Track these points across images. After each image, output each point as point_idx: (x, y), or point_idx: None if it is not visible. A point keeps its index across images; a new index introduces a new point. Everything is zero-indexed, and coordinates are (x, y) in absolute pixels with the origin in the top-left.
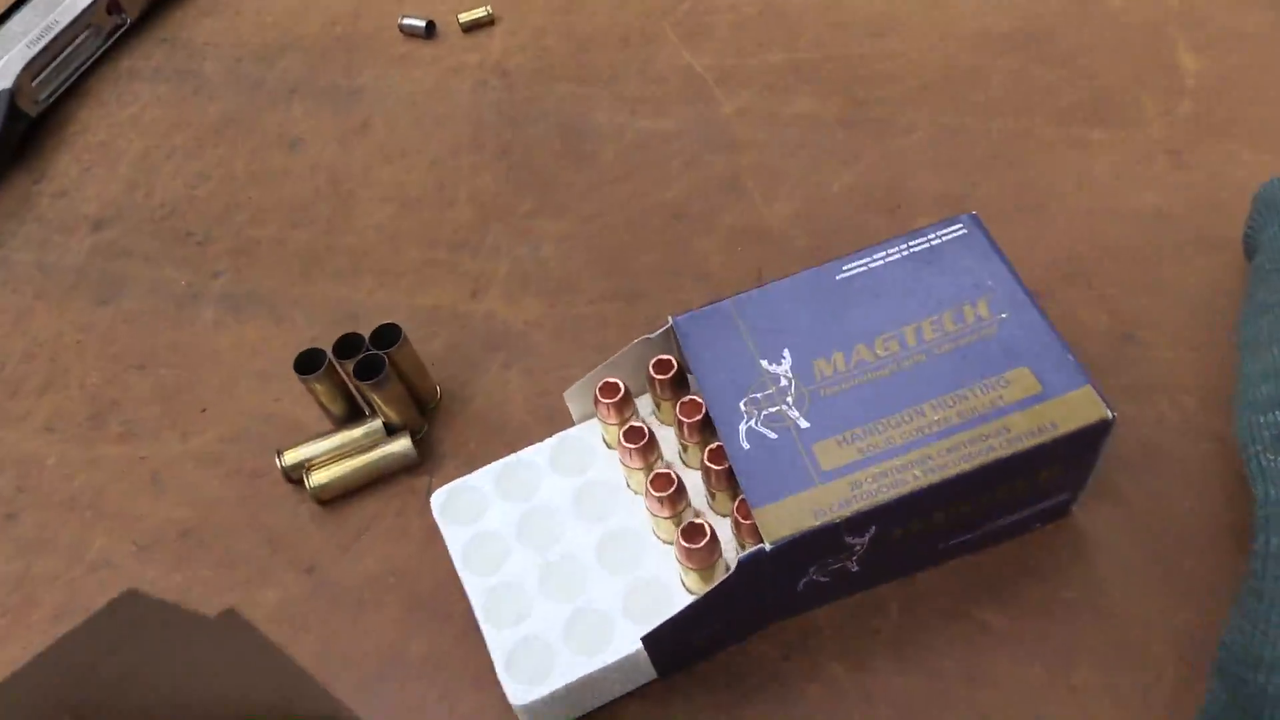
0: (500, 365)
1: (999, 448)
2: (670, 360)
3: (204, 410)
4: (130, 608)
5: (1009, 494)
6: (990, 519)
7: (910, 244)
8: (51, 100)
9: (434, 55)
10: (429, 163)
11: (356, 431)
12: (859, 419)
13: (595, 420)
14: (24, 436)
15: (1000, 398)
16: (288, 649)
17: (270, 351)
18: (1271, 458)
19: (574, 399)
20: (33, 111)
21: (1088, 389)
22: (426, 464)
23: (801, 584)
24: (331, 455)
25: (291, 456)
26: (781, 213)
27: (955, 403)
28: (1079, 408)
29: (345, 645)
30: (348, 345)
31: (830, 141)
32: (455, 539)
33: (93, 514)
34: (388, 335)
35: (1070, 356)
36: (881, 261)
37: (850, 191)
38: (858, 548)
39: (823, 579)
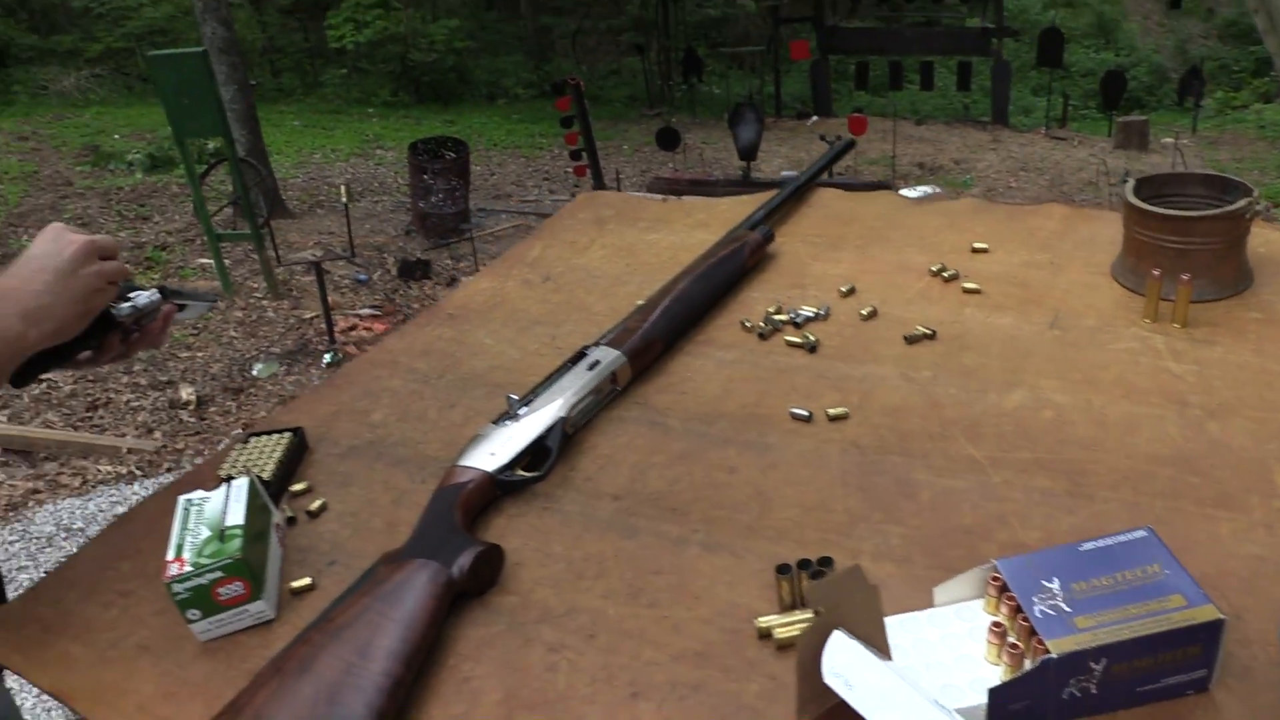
0: None
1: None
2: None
3: None
4: None
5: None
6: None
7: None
8: (578, 426)
9: (812, 430)
10: (797, 503)
11: None
12: (1089, 608)
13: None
14: None
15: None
16: None
17: None
18: None
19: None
20: (570, 431)
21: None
22: None
23: (1065, 693)
24: None
25: None
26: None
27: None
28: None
29: None
30: None
31: None
32: None
33: None
34: None
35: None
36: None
37: None
38: (1096, 672)
39: (1076, 693)
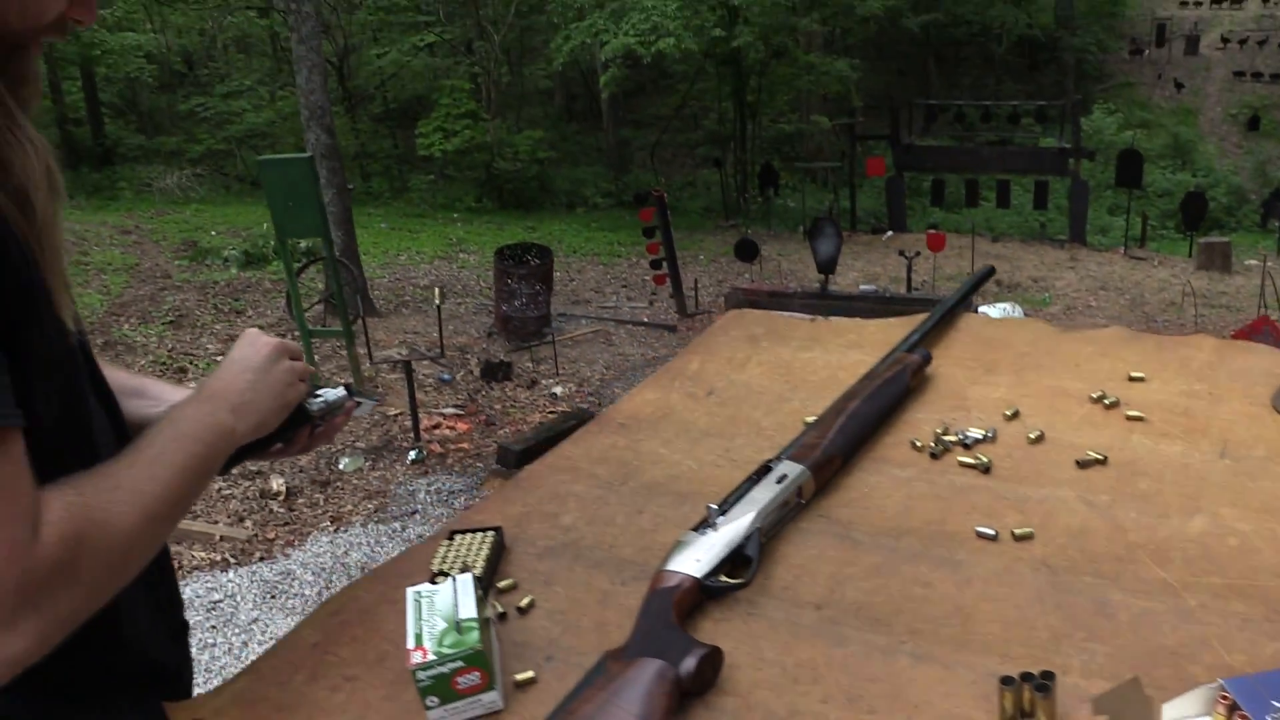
0: None
1: None
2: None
3: None
4: None
5: None
6: None
7: None
8: (769, 537)
9: (999, 549)
10: (998, 619)
11: None
12: None
13: None
14: None
15: None
16: None
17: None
18: None
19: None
20: (764, 540)
21: None
22: None
23: None
24: None
25: None
26: None
27: None
28: None
29: None
30: None
31: None
32: None
33: None
34: None
35: None
36: None
37: None
38: None
39: None
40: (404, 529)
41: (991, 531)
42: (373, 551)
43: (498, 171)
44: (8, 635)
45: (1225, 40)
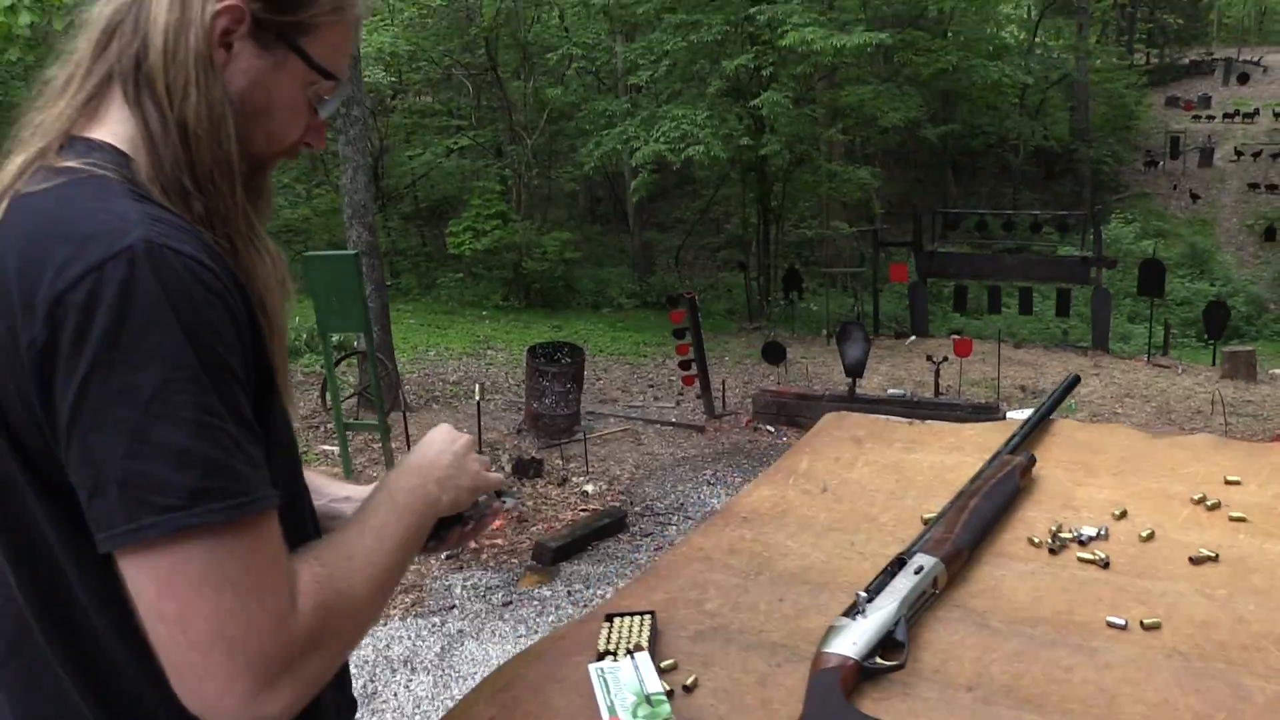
0: None
1: None
2: None
3: None
4: None
5: None
6: None
7: None
8: (910, 624)
9: (1130, 638)
10: (1141, 700)
11: None
12: None
13: None
14: None
15: None
16: None
17: None
18: None
19: None
20: (903, 636)
21: None
22: None
23: None
24: None
25: None
26: None
27: None
28: None
29: None
30: None
31: None
32: None
33: None
34: None
35: None
36: None
37: None
38: None
39: None
40: (443, 623)
41: (1121, 621)
42: (414, 645)
43: (526, 271)
44: (271, 695)
45: (1239, 153)
